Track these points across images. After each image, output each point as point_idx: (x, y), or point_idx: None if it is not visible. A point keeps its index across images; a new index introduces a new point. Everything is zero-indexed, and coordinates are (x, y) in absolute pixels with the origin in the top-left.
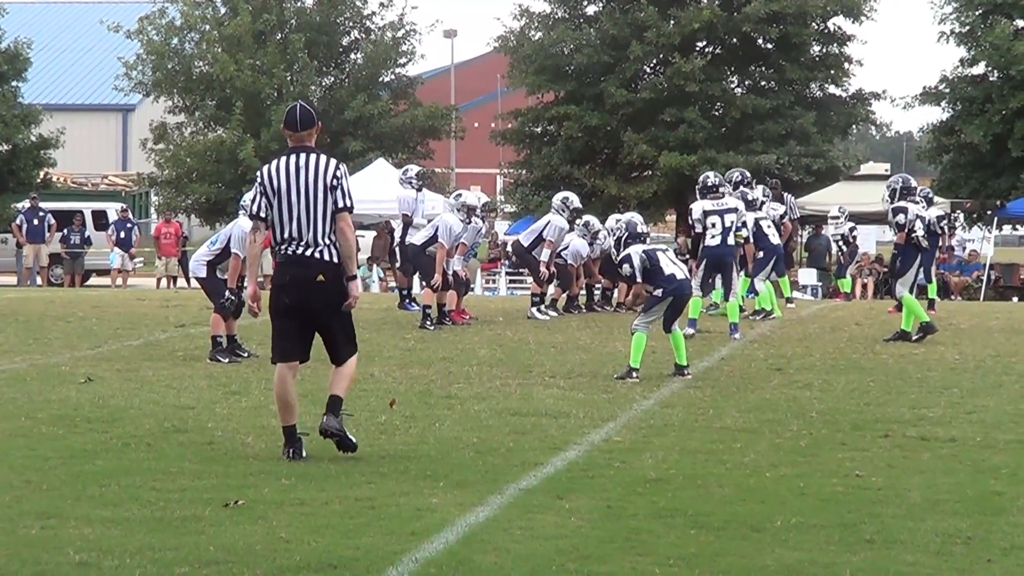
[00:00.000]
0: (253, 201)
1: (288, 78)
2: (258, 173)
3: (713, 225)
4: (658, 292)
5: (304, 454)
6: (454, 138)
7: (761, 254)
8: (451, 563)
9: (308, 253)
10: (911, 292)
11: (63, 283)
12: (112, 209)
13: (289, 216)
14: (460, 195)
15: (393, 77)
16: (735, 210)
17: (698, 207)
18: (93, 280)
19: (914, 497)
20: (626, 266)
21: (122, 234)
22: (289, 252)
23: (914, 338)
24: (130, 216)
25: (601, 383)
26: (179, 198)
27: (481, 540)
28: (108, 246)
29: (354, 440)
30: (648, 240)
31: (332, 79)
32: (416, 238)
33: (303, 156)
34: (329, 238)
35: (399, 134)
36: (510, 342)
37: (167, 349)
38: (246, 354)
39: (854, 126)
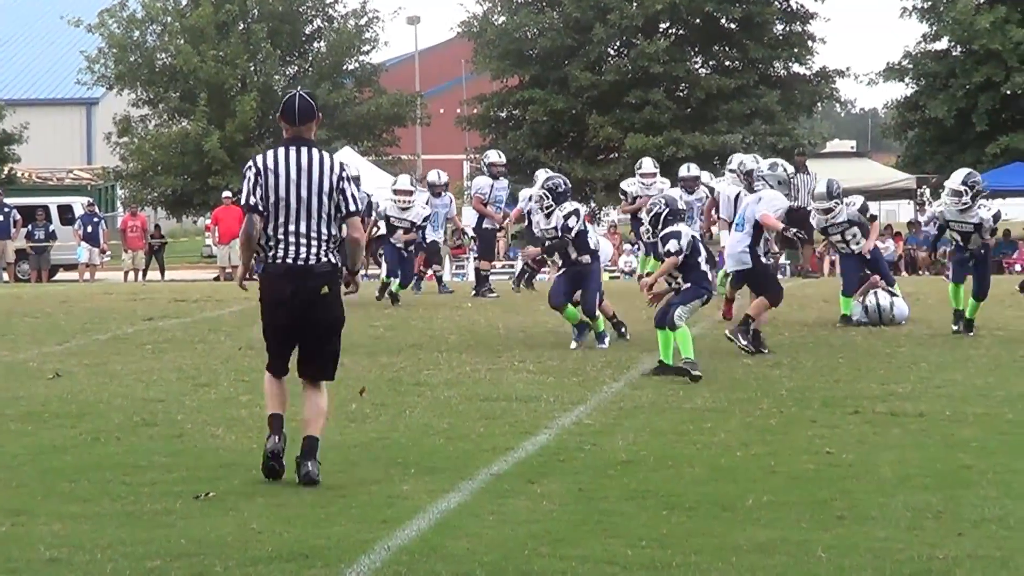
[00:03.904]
0: (247, 192)
1: (252, 68)
2: (252, 162)
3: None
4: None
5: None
6: (420, 125)
7: None
8: (423, 550)
9: (310, 261)
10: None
11: (30, 279)
12: (78, 203)
13: (286, 219)
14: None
15: (357, 65)
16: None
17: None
18: (61, 275)
19: (884, 473)
20: (673, 241)
21: (89, 228)
22: (288, 261)
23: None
24: (96, 210)
25: (571, 366)
26: (145, 191)
27: (453, 526)
28: (75, 241)
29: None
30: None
31: (296, 68)
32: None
33: (304, 152)
34: (332, 243)
35: (364, 122)
36: (479, 328)
37: (135, 343)
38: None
39: (819, 104)
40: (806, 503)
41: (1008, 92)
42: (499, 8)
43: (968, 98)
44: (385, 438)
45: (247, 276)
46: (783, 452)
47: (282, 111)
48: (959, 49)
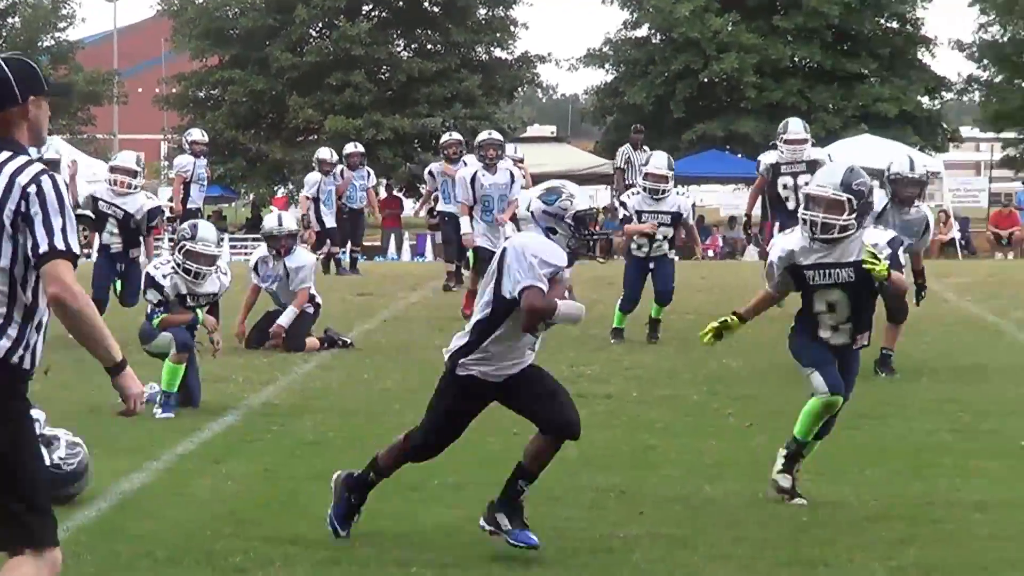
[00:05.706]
0: None
1: None
2: None
3: None
4: None
5: None
6: (116, 103)
7: None
8: (105, 530)
9: None
10: None
11: None
12: None
13: None
14: None
15: (53, 42)
16: None
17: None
18: None
19: (570, 453)
20: None
21: None
22: None
23: None
24: None
25: (262, 347)
26: None
27: (136, 507)
28: None
29: None
30: None
31: None
32: None
33: None
34: (5, 309)
35: (59, 100)
36: None
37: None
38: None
39: (520, 89)
40: (492, 483)
41: (705, 80)
42: None
43: (666, 85)
44: (67, 418)
45: None
46: (472, 433)
47: None
48: (659, 37)
